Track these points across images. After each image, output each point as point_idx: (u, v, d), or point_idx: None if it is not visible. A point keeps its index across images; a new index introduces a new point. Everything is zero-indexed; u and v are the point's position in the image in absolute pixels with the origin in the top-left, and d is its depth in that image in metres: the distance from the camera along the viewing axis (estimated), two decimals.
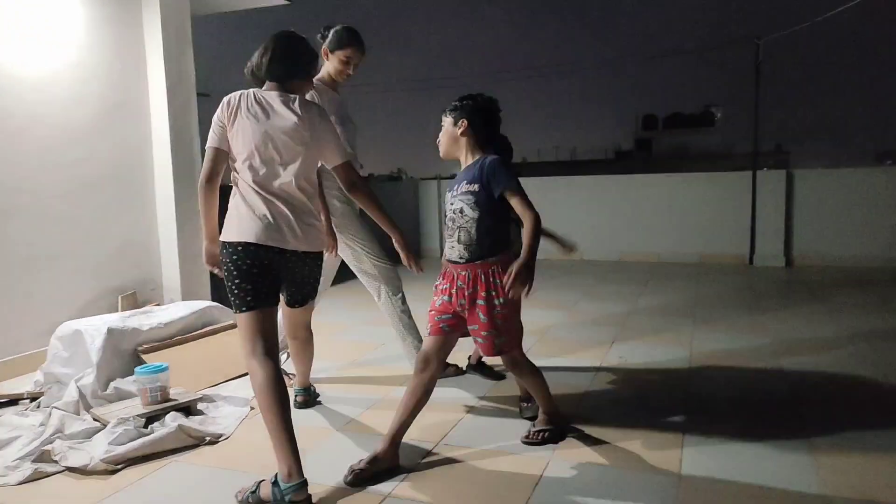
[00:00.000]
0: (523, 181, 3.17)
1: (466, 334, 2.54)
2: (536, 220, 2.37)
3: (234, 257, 2.30)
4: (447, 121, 2.59)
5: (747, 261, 7.63)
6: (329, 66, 3.32)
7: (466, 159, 2.55)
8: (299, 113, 2.43)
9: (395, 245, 2.70)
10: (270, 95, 2.45)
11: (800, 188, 7.52)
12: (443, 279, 2.56)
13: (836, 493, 2.18)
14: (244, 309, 2.31)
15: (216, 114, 2.42)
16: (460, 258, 2.46)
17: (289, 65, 2.50)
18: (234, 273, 2.31)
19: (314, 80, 3.28)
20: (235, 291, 2.32)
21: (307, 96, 3.14)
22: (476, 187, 2.43)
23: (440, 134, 2.62)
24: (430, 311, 2.55)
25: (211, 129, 2.42)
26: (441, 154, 2.64)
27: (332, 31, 3.30)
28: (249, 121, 2.38)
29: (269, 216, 2.33)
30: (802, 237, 7.50)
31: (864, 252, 7.23)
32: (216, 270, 2.53)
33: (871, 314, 4.88)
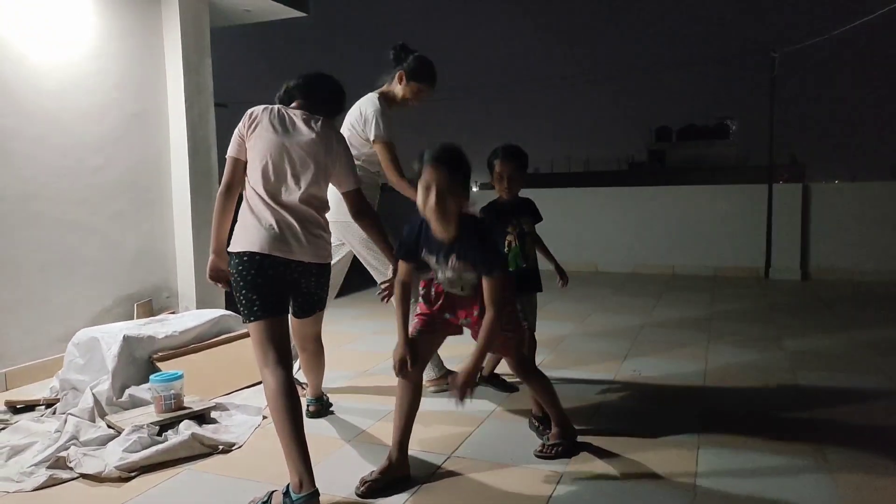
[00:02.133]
0: (537, 192, 3.19)
1: (457, 333, 2.57)
2: (496, 318, 2.27)
3: (240, 267, 2.33)
4: (452, 185, 2.21)
5: (763, 274, 7.56)
6: (399, 89, 3.34)
7: (451, 219, 2.25)
8: (318, 132, 2.48)
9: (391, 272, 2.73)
10: (294, 112, 2.51)
11: (816, 202, 7.45)
12: (427, 291, 2.53)
13: None
14: (252, 319, 2.34)
15: (238, 126, 2.46)
16: (467, 296, 2.46)
17: (324, 96, 2.60)
18: (241, 283, 2.33)
19: (377, 92, 3.32)
20: (243, 301, 2.35)
21: (370, 100, 3.20)
22: (471, 265, 2.31)
23: (440, 197, 2.18)
24: (419, 313, 2.55)
25: (232, 140, 2.47)
26: (441, 222, 2.25)
27: (414, 58, 3.30)
28: (268, 132, 2.42)
29: (274, 226, 2.36)
30: (819, 251, 7.42)
31: (880, 266, 7.14)
32: (219, 286, 2.55)
33: (888, 329, 4.82)
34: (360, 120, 3.27)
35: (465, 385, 2.28)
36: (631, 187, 8.71)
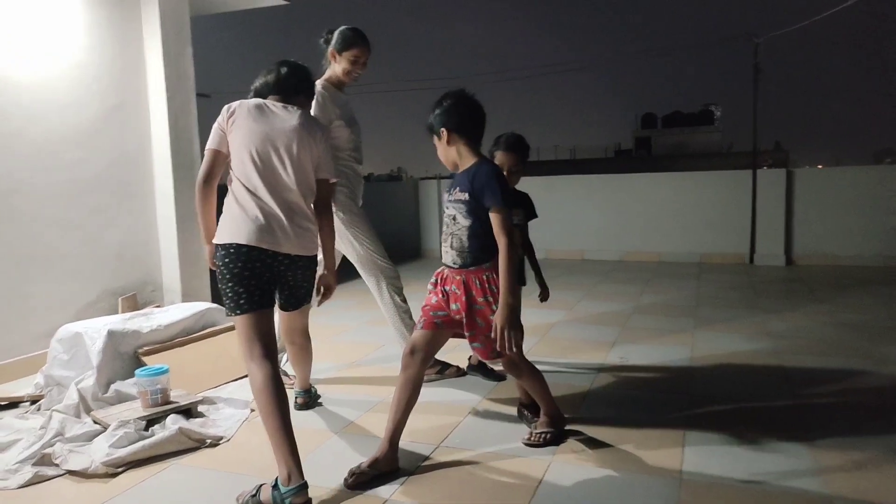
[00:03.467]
0: (525, 181, 3.17)
1: (459, 336, 2.53)
2: (509, 247, 2.31)
3: (226, 259, 2.32)
4: (434, 138, 2.51)
5: (748, 260, 7.63)
6: (337, 67, 3.34)
7: (463, 164, 2.49)
8: (299, 118, 2.49)
9: (325, 270, 2.73)
10: (273, 103, 2.51)
11: (800, 187, 7.51)
12: (437, 279, 2.56)
13: (838, 495, 2.18)
14: (238, 312, 2.32)
15: (217, 120, 2.46)
16: (453, 263, 2.46)
17: (294, 82, 2.58)
18: (227, 275, 2.32)
19: (322, 80, 3.31)
20: (228, 294, 2.33)
21: (317, 94, 3.19)
22: (467, 196, 2.39)
23: (438, 154, 2.54)
24: (424, 306, 2.54)
25: (211, 133, 2.46)
26: (450, 169, 2.55)
27: (336, 33, 3.33)
28: (248, 122, 2.41)
29: (260, 217, 2.34)
30: (803, 236, 7.50)
31: (864, 251, 7.23)
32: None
33: (872, 313, 4.88)
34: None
35: (504, 334, 2.27)
36: (617, 175, 8.74)
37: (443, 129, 2.44)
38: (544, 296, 3.38)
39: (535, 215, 3.26)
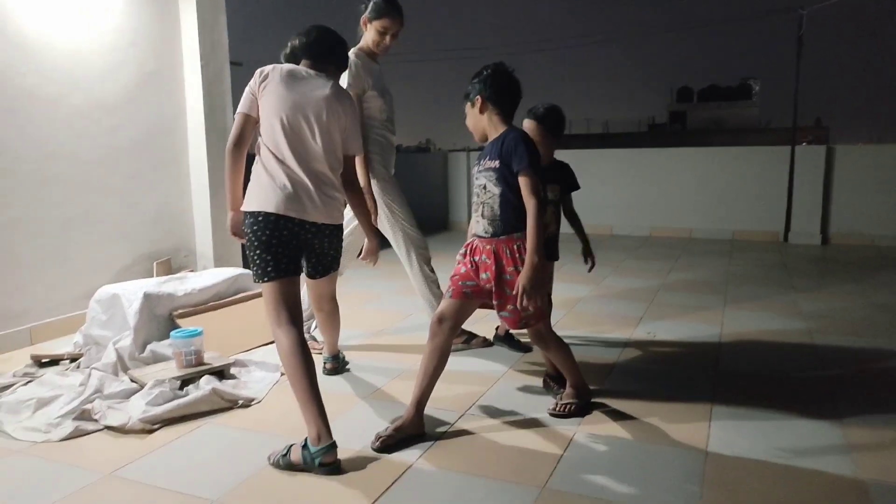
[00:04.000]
0: (555, 154, 3.13)
1: (487, 306, 2.55)
2: (537, 209, 2.32)
3: (255, 227, 2.34)
4: (467, 106, 2.54)
5: (782, 238, 7.48)
6: (367, 36, 3.34)
7: (492, 134, 2.51)
8: (331, 88, 2.48)
9: (368, 243, 2.83)
10: (306, 70, 2.50)
11: (840, 164, 7.30)
12: (466, 250, 2.56)
13: (869, 476, 2.15)
14: (265, 279, 2.36)
15: (249, 83, 2.46)
16: (485, 233, 2.47)
17: (326, 48, 2.57)
18: (255, 243, 2.35)
19: (356, 48, 3.30)
20: (256, 261, 2.37)
21: (351, 63, 3.19)
22: (497, 163, 2.41)
23: (467, 122, 2.56)
24: (453, 276, 2.55)
25: (243, 97, 2.47)
26: (477, 139, 2.59)
27: (371, 1, 3.29)
28: (281, 88, 2.41)
29: (288, 186, 2.36)
30: (840, 215, 7.30)
31: None
32: (243, 240, 2.58)
33: None
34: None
35: (527, 295, 2.30)
36: (649, 149, 8.58)
37: (478, 96, 2.47)
38: (591, 264, 3.33)
39: (576, 186, 3.23)
